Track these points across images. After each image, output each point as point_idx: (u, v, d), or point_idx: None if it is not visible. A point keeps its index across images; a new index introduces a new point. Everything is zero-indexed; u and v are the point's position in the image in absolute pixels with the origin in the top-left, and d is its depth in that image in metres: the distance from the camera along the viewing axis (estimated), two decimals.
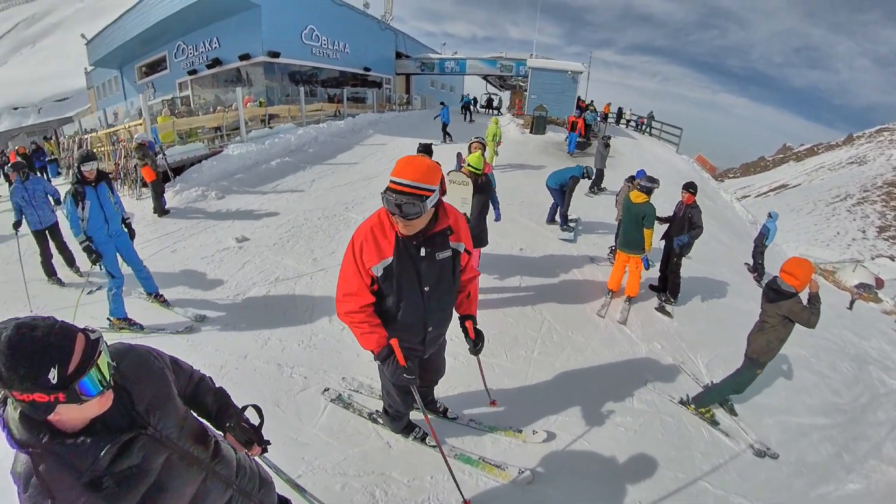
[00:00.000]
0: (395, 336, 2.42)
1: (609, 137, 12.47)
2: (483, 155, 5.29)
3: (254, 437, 1.62)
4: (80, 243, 4.62)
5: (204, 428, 1.55)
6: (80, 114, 32.56)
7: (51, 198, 6.30)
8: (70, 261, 6.62)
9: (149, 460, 1.25)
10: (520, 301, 5.60)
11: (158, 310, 5.17)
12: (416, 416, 3.35)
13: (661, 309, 5.80)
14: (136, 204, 9.31)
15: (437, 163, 2.26)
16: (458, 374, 3.98)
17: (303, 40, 20.49)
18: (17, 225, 6.00)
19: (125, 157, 9.91)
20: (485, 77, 27.50)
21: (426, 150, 5.54)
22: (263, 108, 15.30)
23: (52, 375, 1.00)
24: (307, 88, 21.19)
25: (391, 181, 2.06)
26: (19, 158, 11.97)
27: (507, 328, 4.96)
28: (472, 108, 22.73)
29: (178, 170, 10.32)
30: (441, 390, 3.69)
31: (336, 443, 3.32)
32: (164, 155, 9.79)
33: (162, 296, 5.26)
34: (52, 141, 17.34)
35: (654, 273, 6.33)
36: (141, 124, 9.76)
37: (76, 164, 4.57)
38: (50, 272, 6.39)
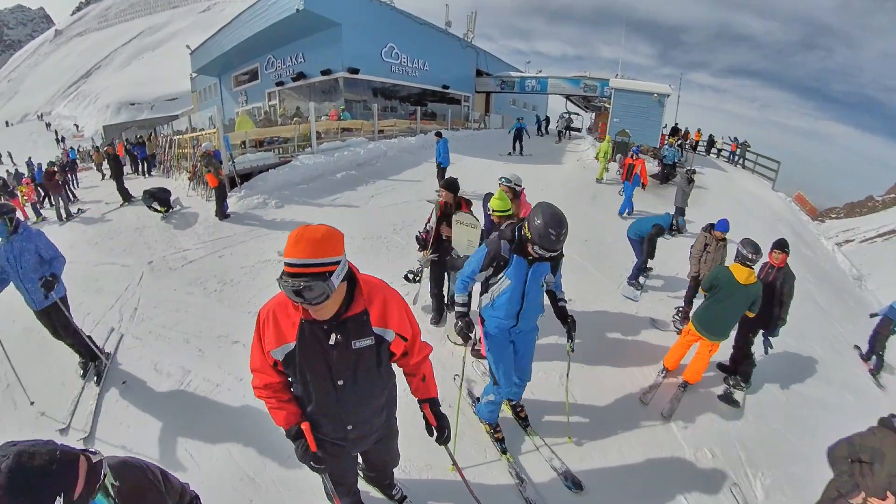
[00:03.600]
0: (310, 423, 2.11)
1: (693, 171, 11.29)
2: (513, 193, 4.87)
3: None
4: (457, 327, 3.32)
5: None
6: (184, 113, 35.90)
7: (45, 266, 4.20)
8: (90, 355, 4.63)
9: None
10: (545, 369, 4.53)
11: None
12: (380, 498, 3.15)
13: (726, 397, 4.56)
14: (204, 205, 10.19)
15: (336, 230, 1.79)
16: (436, 455, 3.23)
17: (382, 58, 21.30)
18: None
19: (198, 160, 10.75)
20: (567, 97, 27.03)
21: (450, 185, 4.77)
22: (336, 122, 16.03)
23: None
24: (389, 104, 22.03)
25: (284, 263, 1.69)
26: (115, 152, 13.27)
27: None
28: (525, 135, 18.27)
29: (247, 176, 11.08)
30: (412, 471, 3.39)
31: (287, 495, 3.27)
32: (233, 162, 10.57)
33: (522, 408, 3.99)
34: (150, 139, 19.23)
35: (725, 350, 4.88)
36: (215, 132, 10.58)
37: (527, 230, 2.94)
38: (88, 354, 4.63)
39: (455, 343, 4.98)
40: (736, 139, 22.00)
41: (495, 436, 3.71)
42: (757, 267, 4.48)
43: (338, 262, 1.72)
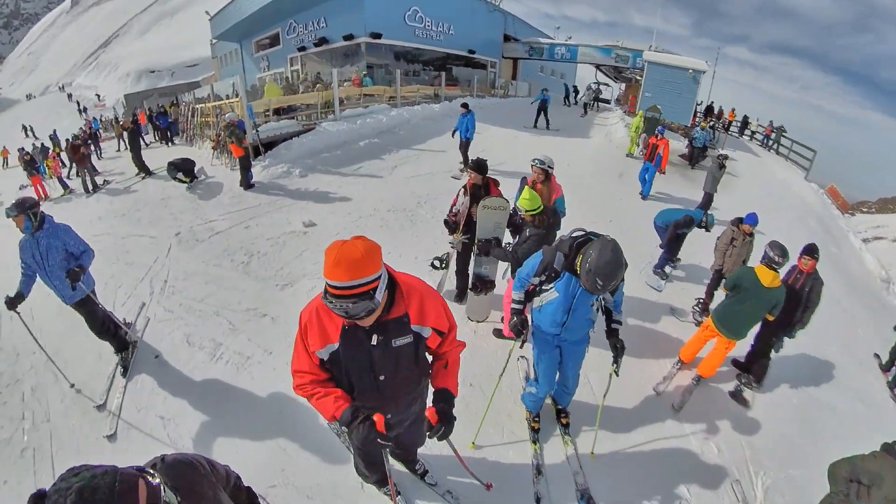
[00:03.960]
0: None
1: (726, 157, 10.45)
2: (545, 175, 4.98)
3: None
4: (511, 323, 3.32)
5: None
6: (205, 79, 35.92)
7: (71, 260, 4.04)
8: (120, 346, 4.57)
9: None
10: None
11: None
12: (405, 472, 3.35)
13: (736, 394, 4.60)
14: (228, 174, 10.25)
15: (372, 243, 1.80)
16: (457, 433, 3.48)
17: (406, 21, 20.73)
18: (13, 302, 3.99)
19: (222, 130, 10.76)
20: (597, 66, 26.08)
21: (478, 167, 4.68)
22: (359, 89, 15.83)
23: None
24: (412, 69, 21.60)
25: (327, 283, 1.74)
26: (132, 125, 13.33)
27: None
28: (549, 106, 16.74)
29: (271, 145, 11.07)
30: (434, 447, 3.46)
31: (318, 466, 3.44)
32: (257, 131, 10.56)
33: (566, 416, 3.95)
34: (175, 105, 19.32)
35: (742, 346, 4.80)
36: (238, 102, 10.54)
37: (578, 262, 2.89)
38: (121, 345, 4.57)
39: (477, 322, 5.10)
40: (771, 123, 21.03)
41: (532, 425, 3.82)
42: (784, 269, 4.41)
43: (379, 278, 1.77)
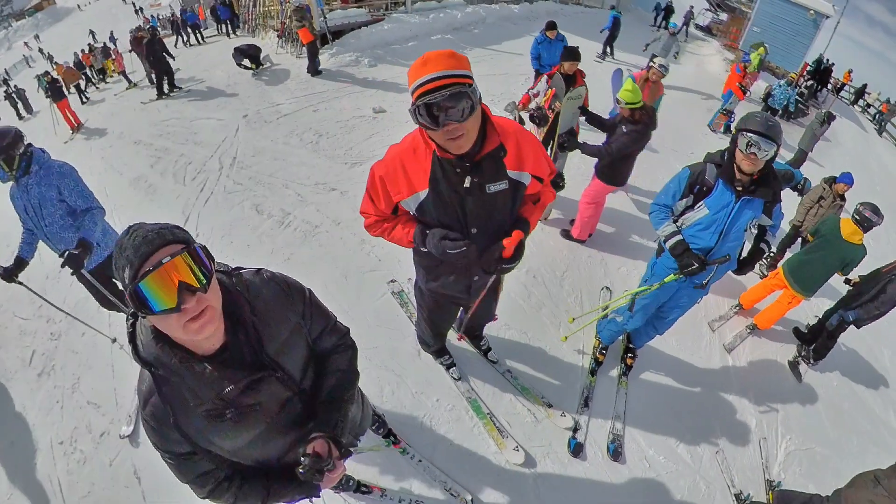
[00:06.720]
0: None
1: (833, 117, 9.23)
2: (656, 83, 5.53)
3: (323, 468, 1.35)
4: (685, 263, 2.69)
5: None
6: None
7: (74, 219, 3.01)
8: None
9: (272, 400, 1.32)
10: (624, 278, 4.67)
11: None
12: (460, 347, 3.53)
13: (793, 365, 4.44)
14: (294, 62, 10.34)
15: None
16: (521, 318, 3.84)
17: None
18: (12, 271, 3.06)
19: (289, 17, 10.67)
20: None
21: (572, 55, 4.38)
22: None
23: (127, 275, 1.02)
24: None
25: (417, 88, 1.56)
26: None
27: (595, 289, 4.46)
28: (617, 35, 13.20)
29: (338, 33, 10.98)
30: (497, 329, 3.71)
31: (377, 330, 3.66)
32: (325, 18, 10.43)
33: (634, 357, 3.82)
34: None
35: (804, 312, 4.74)
36: None
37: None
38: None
39: (543, 220, 5.13)
40: (889, 101, 18.14)
41: (598, 356, 3.76)
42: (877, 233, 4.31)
43: (472, 79, 1.59)
